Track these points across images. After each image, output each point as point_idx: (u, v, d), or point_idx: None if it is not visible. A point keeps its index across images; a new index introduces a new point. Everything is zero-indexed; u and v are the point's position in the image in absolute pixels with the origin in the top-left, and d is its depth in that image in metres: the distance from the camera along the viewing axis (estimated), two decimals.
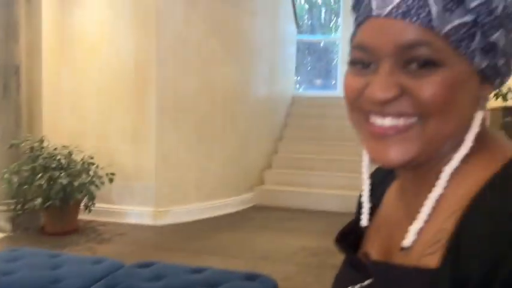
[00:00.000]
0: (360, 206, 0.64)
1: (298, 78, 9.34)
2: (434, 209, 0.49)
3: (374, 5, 0.47)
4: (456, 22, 0.45)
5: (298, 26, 7.25)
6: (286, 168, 5.38)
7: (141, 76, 4.03)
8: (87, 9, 4.16)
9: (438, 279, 0.45)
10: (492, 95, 2.69)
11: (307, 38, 9.49)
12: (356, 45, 0.49)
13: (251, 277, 1.60)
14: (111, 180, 3.82)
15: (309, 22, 10.44)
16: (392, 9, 0.45)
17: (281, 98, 6.17)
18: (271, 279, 1.61)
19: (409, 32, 0.45)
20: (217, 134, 4.51)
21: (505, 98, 2.65)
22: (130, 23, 4.03)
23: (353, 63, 0.50)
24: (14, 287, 1.54)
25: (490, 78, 0.49)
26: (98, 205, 3.85)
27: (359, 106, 0.50)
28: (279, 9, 6.07)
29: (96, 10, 4.14)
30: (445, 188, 0.49)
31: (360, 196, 0.62)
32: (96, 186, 3.75)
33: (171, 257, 3.19)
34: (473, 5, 0.45)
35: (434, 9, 0.44)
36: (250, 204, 4.93)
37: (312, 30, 10.32)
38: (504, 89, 2.64)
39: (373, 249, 0.56)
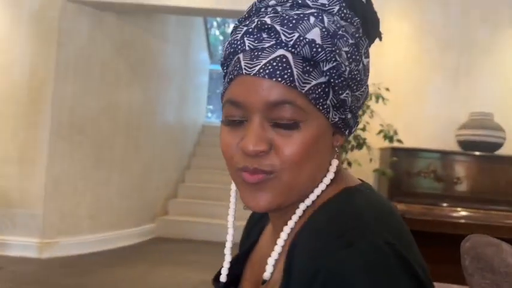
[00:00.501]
0: (242, 242, 0.72)
1: (211, 107, 9.37)
2: (286, 242, 0.55)
3: (243, 64, 0.52)
4: (314, 82, 0.52)
5: (211, 55, 7.34)
6: (192, 198, 5.27)
7: (35, 93, 3.71)
8: None
9: None
10: (382, 136, 2.92)
11: (220, 68, 9.64)
12: (227, 100, 0.54)
13: None
14: None
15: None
16: (259, 69, 0.51)
17: (191, 126, 6.11)
18: None
19: (275, 90, 0.51)
20: (117, 160, 4.28)
21: (391, 140, 2.87)
22: (28, 35, 3.72)
23: (226, 119, 0.55)
24: None
25: (341, 129, 0.57)
26: None
27: (235, 164, 0.55)
28: (192, 37, 6.09)
29: None
30: (296, 223, 0.56)
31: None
32: None
33: None
34: (326, 68, 0.52)
35: (295, 71, 0.51)
36: (152, 236, 4.71)
37: None
38: (390, 131, 2.87)
39: (249, 284, 0.61)
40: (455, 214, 2.77)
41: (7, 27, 3.77)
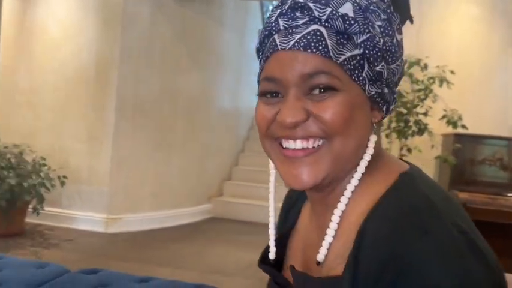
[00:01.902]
0: (280, 224, 0.71)
1: None
2: (339, 225, 0.55)
3: (278, 41, 0.54)
4: (348, 54, 0.53)
5: None
6: (246, 180, 5.37)
7: (102, 76, 3.93)
8: (51, 3, 4.03)
9: (341, 285, 0.51)
10: (445, 121, 2.82)
11: (256, 54, 9.59)
12: (265, 78, 0.55)
13: (199, 287, 1.57)
14: (62, 183, 3.67)
15: None
16: (294, 43, 0.52)
17: (245, 111, 6.18)
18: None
19: (311, 62, 0.52)
20: (177, 141, 4.45)
21: (455, 125, 2.76)
22: (95, 21, 3.93)
23: (262, 94, 0.56)
24: None
25: (379, 104, 0.57)
26: (47, 208, 3.68)
27: (271, 133, 0.56)
28: (248, 23, 6.12)
29: (60, 5, 4.02)
30: (347, 205, 0.55)
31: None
32: (47, 188, 3.59)
33: (119, 266, 3.07)
34: (360, 40, 0.53)
35: (329, 42, 0.52)
36: (208, 216, 4.87)
37: None
38: (455, 116, 2.76)
39: (295, 265, 0.61)
40: None
41: (75, 15, 4.00)
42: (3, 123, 3.89)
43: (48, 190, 3.59)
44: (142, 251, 3.55)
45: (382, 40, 0.54)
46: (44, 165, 3.67)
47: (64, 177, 3.68)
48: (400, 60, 0.58)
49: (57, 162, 3.75)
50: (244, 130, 6.16)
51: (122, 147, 3.99)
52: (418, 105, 2.85)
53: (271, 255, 0.63)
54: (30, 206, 3.61)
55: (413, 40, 3.12)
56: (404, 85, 2.91)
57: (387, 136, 2.91)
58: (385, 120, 3.30)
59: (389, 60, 0.56)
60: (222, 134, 5.24)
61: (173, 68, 4.32)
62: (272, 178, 0.65)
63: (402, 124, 2.84)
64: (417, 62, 2.83)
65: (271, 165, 0.62)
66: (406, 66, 2.88)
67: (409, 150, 2.83)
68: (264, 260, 0.64)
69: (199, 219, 4.71)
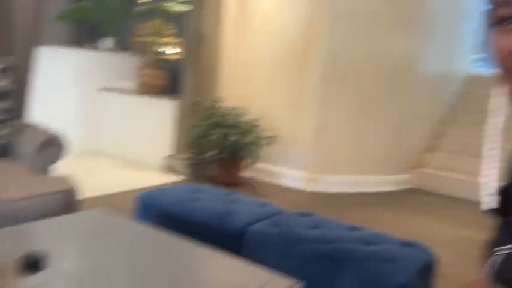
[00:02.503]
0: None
1: (479, 55, 8.33)
2: None
3: None
4: None
5: None
6: (452, 153, 4.95)
7: (309, 46, 4.14)
8: None
9: None
10: None
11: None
12: (502, 2, 0.45)
13: (407, 244, 1.58)
14: (270, 143, 4.09)
15: None
16: None
17: (454, 77, 5.63)
18: (429, 249, 1.56)
19: None
20: (379, 108, 4.39)
21: None
22: None
23: (500, 21, 0.45)
24: (197, 211, 1.84)
25: None
26: (257, 164, 4.18)
27: None
28: None
29: None
30: None
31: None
32: (258, 146, 4.06)
33: None
34: None
35: None
36: (406, 186, 4.71)
37: None
38: None
39: None
40: None
41: None
42: (225, 90, 4.51)
43: (260, 148, 4.06)
44: (339, 210, 3.71)
45: None
46: (256, 126, 4.14)
47: (272, 137, 4.09)
48: None
49: (267, 125, 4.18)
50: (453, 97, 5.63)
51: (323, 113, 4.18)
52: None
53: (493, 203, 0.56)
54: (245, 161, 4.15)
55: None
56: None
57: None
58: None
59: None
60: (427, 101, 4.92)
61: (379, 32, 4.24)
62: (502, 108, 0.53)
63: None
64: None
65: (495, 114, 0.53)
66: None
67: None
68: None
69: (396, 188, 4.60)
